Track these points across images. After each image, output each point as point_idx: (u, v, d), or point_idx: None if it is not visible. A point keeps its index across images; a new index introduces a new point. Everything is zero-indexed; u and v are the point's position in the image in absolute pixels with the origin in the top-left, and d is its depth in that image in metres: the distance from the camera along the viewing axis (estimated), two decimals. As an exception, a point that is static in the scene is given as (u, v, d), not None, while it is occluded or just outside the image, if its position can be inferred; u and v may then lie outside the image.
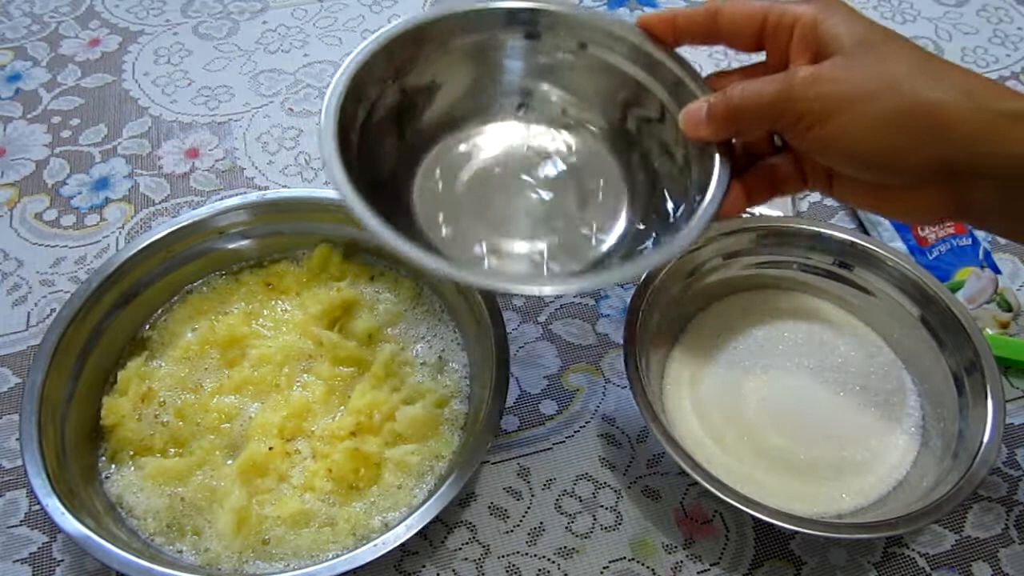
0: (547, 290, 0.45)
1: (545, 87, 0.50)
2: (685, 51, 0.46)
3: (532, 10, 0.48)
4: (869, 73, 0.36)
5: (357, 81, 0.43)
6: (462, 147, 0.50)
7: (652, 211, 0.47)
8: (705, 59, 0.76)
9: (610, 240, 0.47)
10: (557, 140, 0.51)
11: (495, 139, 0.51)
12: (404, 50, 0.46)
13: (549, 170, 0.49)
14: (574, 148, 0.51)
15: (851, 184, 0.40)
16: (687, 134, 0.42)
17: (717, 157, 0.42)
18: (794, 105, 0.37)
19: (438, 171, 0.49)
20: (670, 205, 0.46)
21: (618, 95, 0.49)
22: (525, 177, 0.49)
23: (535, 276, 0.46)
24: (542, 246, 0.47)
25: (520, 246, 0.47)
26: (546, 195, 0.49)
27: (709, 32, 0.42)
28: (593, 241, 0.47)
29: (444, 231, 0.47)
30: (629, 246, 0.47)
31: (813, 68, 0.37)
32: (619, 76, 0.48)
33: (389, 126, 0.47)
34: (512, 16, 0.48)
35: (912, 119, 0.35)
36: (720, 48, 0.76)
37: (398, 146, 0.48)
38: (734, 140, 0.43)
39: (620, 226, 0.48)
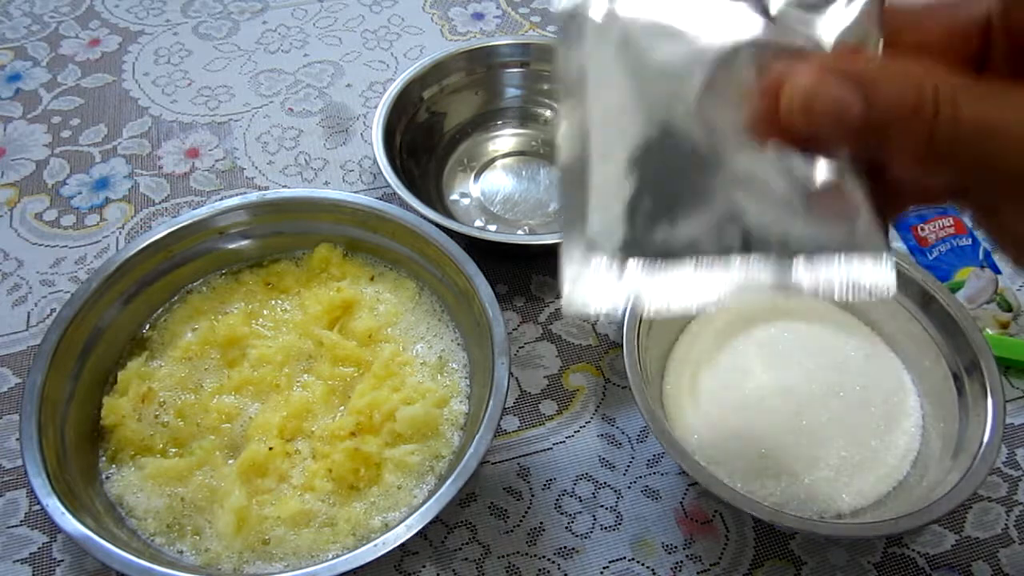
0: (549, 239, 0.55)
1: (537, 100, 0.68)
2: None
3: (523, 44, 0.66)
4: None
5: (398, 99, 0.61)
6: (479, 148, 0.68)
7: None
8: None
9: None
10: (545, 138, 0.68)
11: (503, 142, 0.68)
12: (431, 76, 0.64)
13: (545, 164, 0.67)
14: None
15: None
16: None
17: None
18: None
19: (462, 163, 0.67)
20: None
21: None
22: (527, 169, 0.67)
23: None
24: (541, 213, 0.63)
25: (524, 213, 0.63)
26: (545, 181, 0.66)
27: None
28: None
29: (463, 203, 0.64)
30: None
31: None
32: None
33: (425, 130, 0.65)
34: (509, 49, 0.66)
35: None
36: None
37: (433, 146, 0.66)
38: None
39: None
